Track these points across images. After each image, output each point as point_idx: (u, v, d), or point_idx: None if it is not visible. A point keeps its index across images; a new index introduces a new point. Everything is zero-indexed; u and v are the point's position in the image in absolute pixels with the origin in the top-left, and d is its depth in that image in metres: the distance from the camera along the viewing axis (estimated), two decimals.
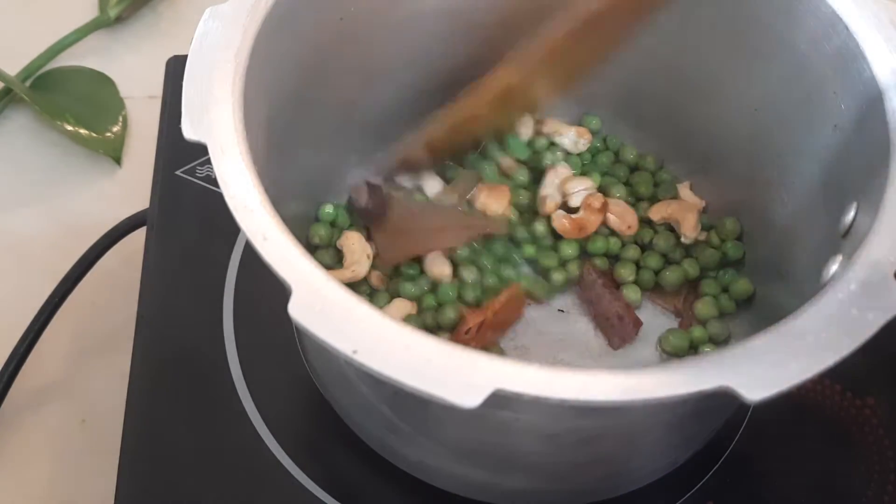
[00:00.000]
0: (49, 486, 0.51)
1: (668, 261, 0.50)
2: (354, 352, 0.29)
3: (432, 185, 0.51)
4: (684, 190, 0.52)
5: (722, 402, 0.41)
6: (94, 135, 0.65)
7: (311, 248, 0.49)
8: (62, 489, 0.51)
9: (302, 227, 0.48)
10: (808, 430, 0.47)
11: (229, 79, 0.36)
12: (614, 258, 0.50)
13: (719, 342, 0.48)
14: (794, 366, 0.29)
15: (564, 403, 0.29)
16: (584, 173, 0.52)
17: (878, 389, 0.47)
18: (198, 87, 0.35)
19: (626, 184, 0.53)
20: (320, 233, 0.49)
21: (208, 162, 0.53)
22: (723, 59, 0.47)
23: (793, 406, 0.47)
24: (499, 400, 0.29)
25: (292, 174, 0.43)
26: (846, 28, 0.39)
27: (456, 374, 0.29)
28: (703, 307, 0.48)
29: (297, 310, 0.30)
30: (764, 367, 0.29)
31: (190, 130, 0.34)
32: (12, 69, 0.66)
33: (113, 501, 0.43)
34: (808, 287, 0.37)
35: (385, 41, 0.47)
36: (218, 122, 0.35)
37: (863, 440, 0.46)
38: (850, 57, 0.39)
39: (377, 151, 0.52)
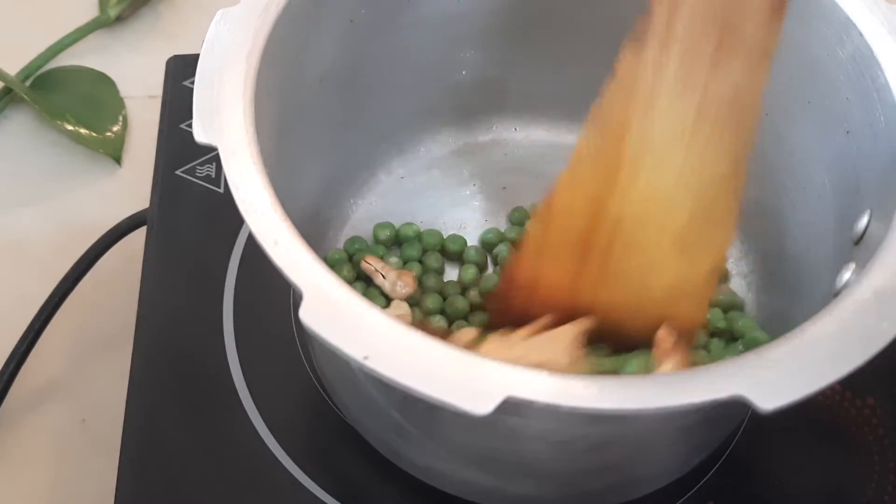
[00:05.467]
0: (49, 486, 0.51)
1: None
2: (366, 358, 0.29)
3: None
4: None
5: (734, 410, 0.42)
6: (94, 134, 0.64)
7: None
8: (62, 489, 0.51)
9: (312, 231, 0.48)
10: (808, 430, 0.46)
11: (240, 81, 0.36)
12: None
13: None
14: (807, 375, 0.29)
15: (576, 411, 0.29)
16: None
17: (879, 389, 0.47)
18: (209, 90, 0.35)
19: None
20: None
21: (208, 162, 0.54)
22: None
23: (793, 406, 0.47)
24: (510, 407, 0.28)
25: (303, 177, 0.43)
26: (859, 34, 0.39)
27: (467, 381, 0.29)
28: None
29: (309, 315, 0.30)
30: (777, 377, 0.29)
31: (201, 133, 0.34)
32: (12, 69, 0.66)
33: (113, 501, 0.43)
34: (821, 295, 0.37)
35: (396, 44, 0.47)
36: (229, 125, 0.34)
37: (863, 440, 0.46)
38: (863, 62, 0.39)
39: (385, 155, 0.53)
